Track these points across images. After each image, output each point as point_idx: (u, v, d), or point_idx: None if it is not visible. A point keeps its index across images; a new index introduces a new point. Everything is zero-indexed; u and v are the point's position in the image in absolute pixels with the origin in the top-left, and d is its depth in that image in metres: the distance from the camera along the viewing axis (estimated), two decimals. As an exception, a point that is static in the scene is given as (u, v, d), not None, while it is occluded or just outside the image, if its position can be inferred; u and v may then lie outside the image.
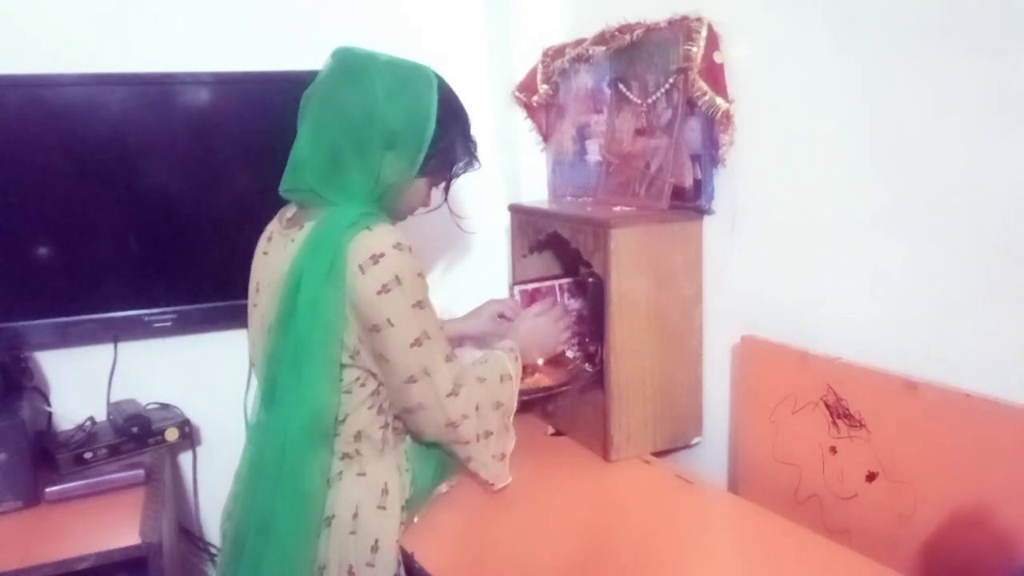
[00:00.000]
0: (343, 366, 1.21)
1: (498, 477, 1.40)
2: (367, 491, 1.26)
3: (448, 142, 1.28)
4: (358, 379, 1.24)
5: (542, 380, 1.72)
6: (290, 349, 1.20)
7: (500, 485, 1.41)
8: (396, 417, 1.33)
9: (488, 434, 1.35)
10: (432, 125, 1.22)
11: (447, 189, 1.39)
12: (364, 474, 1.27)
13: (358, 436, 1.27)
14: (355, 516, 1.24)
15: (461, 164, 1.34)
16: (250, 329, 1.37)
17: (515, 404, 1.45)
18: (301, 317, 1.18)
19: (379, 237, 1.17)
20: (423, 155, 1.24)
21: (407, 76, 1.23)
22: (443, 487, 1.43)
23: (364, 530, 1.24)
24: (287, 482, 1.19)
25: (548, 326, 1.60)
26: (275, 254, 1.29)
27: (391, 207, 1.30)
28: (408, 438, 1.38)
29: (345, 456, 1.26)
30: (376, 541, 1.24)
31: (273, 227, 1.35)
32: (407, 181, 1.27)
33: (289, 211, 1.33)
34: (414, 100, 1.22)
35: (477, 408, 1.32)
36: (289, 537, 1.19)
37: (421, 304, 1.22)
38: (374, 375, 1.26)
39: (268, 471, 1.21)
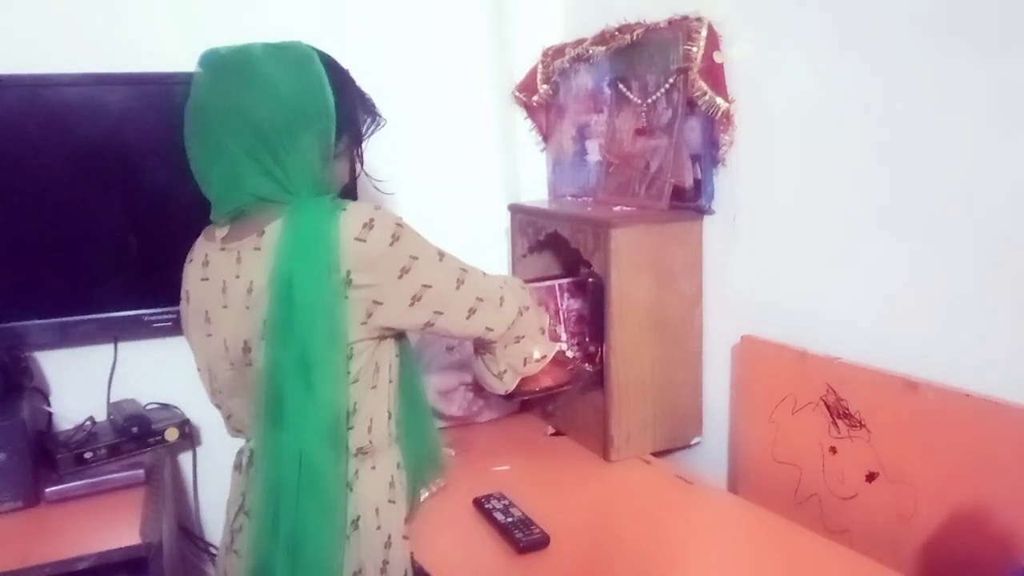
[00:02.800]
0: (348, 357, 1.18)
1: (549, 347, 1.42)
2: (380, 485, 1.23)
3: (350, 106, 1.23)
4: (363, 367, 1.20)
5: (542, 380, 1.72)
6: (293, 359, 1.14)
7: (552, 353, 1.43)
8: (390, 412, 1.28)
9: (526, 308, 1.36)
10: (330, 95, 1.17)
11: (360, 157, 1.32)
12: (375, 467, 1.24)
13: (370, 427, 1.23)
14: (377, 512, 1.21)
15: (369, 124, 1.30)
16: (202, 362, 1.28)
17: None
18: (301, 323, 1.13)
19: (358, 211, 1.15)
20: (334, 127, 1.19)
21: (290, 56, 1.18)
22: (424, 492, 1.39)
23: (384, 526, 1.22)
24: (309, 497, 1.15)
25: None
26: (222, 273, 1.21)
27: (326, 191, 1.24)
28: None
29: (359, 452, 1.22)
30: (389, 537, 1.22)
31: (205, 248, 1.27)
32: (332, 158, 1.22)
33: (220, 230, 1.24)
34: (306, 77, 1.17)
35: (528, 308, 1.36)
36: (322, 553, 1.15)
37: (435, 248, 1.24)
38: (377, 365, 1.22)
39: (287, 491, 1.16)
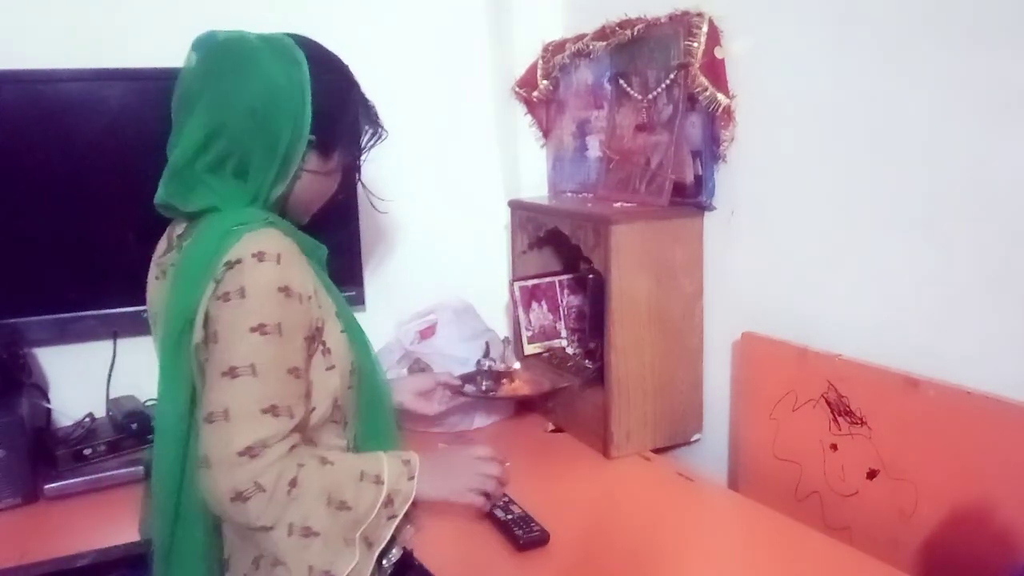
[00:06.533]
0: None
1: None
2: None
3: (351, 116, 1.13)
4: None
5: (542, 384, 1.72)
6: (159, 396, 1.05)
7: None
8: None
9: (309, 532, 0.97)
10: (308, 106, 1.05)
11: (359, 169, 1.21)
12: None
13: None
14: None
15: (368, 136, 1.18)
16: None
17: (380, 524, 1.03)
18: (160, 363, 1.04)
19: (243, 245, 0.98)
20: (334, 137, 1.10)
21: (292, 55, 1.06)
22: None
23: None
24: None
25: (463, 464, 1.22)
26: (166, 280, 1.10)
27: (295, 204, 1.13)
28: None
29: None
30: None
31: (162, 246, 1.16)
32: (316, 170, 1.11)
33: (179, 227, 1.13)
34: (303, 80, 1.05)
35: (292, 486, 0.96)
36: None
37: (264, 330, 0.95)
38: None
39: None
